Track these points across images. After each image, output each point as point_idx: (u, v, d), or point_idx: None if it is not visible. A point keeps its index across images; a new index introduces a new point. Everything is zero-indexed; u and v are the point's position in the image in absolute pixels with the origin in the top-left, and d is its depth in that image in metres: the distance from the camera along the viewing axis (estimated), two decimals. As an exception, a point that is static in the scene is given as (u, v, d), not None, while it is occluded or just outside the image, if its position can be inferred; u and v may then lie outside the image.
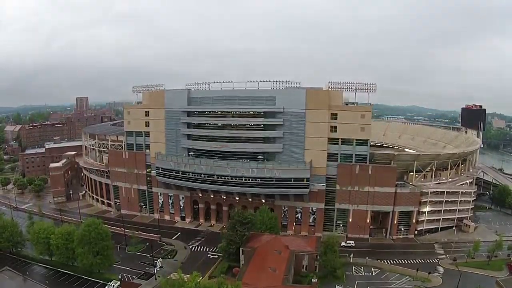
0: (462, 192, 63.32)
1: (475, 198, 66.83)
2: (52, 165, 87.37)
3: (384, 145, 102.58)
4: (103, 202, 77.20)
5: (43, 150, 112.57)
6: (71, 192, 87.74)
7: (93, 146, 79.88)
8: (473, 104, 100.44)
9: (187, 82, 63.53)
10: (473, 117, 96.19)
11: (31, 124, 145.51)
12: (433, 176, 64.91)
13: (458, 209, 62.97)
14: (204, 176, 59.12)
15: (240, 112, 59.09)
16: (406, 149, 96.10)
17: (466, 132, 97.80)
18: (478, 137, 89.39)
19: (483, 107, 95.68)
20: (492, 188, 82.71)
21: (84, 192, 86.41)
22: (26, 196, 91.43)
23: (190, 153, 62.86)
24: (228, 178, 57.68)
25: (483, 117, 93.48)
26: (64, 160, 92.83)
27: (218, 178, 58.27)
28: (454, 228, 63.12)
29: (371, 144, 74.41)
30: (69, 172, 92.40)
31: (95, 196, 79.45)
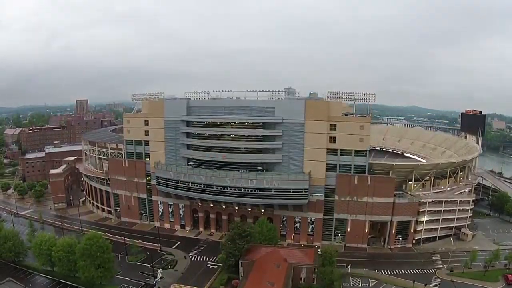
0: (460, 201, 63.66)
1: (473, 206, 67.04)
2: (52, 171, 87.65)
3: (383, 149, 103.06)
4: (103, 209, 77.64)
5: (43, 154, 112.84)
6: (71, 198, 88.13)
7: (92, 153, 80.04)
8: (473, 110, 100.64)
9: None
10: (473, 122, 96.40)
11: (31, 128, 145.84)
12: (431, 185, 65.15)
13: (457, 217, 63.35)
14: (204, 186, 59.43)
15: (239, 122, 59.08)
16: (405, 154, 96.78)
17: (465, 137, 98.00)
18: (477, 142, 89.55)
19: (482, 113, 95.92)
20: (492, 193, 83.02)
21: (84, 198, 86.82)
22: (26, 201, 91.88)
23: (189, 163, 63.08)
24: (227, 189, 57.99)
25: (482, 122, 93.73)
26: (64, 166, 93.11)
27: (217, 188, 58.59)
28: (452, 236, 63.44)
29: (371, 148, 75.30)
30: (69, 178, 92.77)
31: (95, 203, 79.87)
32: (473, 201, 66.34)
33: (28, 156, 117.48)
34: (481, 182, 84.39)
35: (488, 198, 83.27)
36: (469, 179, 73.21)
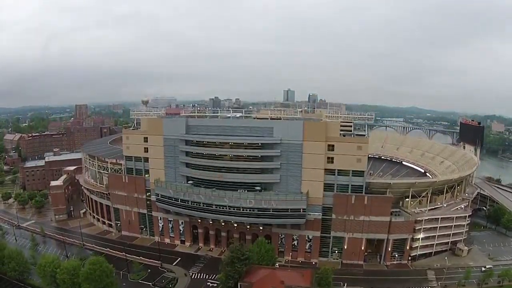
0: (456, 217, 64.43)
1: (469, 221, 67.75)
2: (53, 183, 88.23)
3: (382, 157, 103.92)
4: (104, 222, 78.51)
5: (43, 163, 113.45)
6: (72, 209, 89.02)
7: (92, 166, 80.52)
8: (472, 120, 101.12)
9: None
10: (472, 133, 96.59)
11: (30, 135, 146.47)
12: (428, 201, 65.85)
13: (452, 233, 64.22)
14: (203, 205, 60.15)
15: (237, 143, 59.46)
16: (403, 162, 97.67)
17: (464, 147, 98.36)
18: (475, 154, 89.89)
19: (481, 124, 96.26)
20: (489, 203, 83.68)
21: (84, 210, 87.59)
22: (27, 212, 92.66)
23: (189, 182, 63.64)
24: (226, 208, 58.72)
25: (481, 134, 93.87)
26: (64, 177, 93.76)
27: (216, 207, 59.33)
28: (447, 251, 64.41)
29: (370, 156, 75.89)
30: (69, 188, 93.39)
31: (95, 216, 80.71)
32: (469, 215, 67.03)
33: (28, 164, 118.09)
34: (479, 192, 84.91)
35: (486, 207, 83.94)
36: (466, 194, 73.79)
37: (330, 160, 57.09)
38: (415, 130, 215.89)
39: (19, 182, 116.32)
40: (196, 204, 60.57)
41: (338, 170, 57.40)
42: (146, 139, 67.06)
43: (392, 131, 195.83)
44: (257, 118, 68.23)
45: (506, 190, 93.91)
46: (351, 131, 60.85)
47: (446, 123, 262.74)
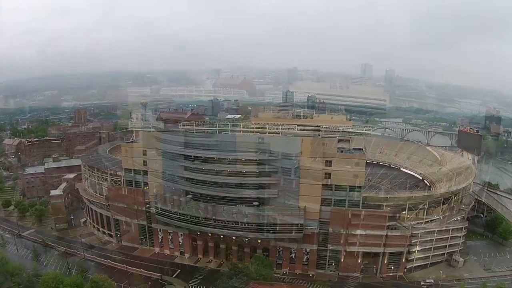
0: (453, 229, 65.15)
1: (465, 232, 68.52)
2: (53, 192, 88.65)
3: (380, 163, 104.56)
4: (104, 232, 79.30)
5: (42, 169, 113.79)
6: (72, 218, 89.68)
7: (92, 177, 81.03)
8: (470, 128, 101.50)
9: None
10: (470, 140, 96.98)
11: (30, 140, 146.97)
12: (425, 213, 66.51)
13: (449, 244, 65.06)
14: (202, 219, 60.86)
15: (235, 159, 59.87)
16: (401, 169, 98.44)
17: (462, 154, 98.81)
18: (473, 162, 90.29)
19: (479, 133, 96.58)
20: (487, 210, 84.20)
21: (85, 219, 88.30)
22: (27, 220, 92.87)
23: (188, 195, 64.21)
24: (225, 223, 59.40)
25: (479, 142, 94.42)
26: (64, 185, 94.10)
27: (215, 222, 60.02)
28: (444, 262, 65.31)
29: (368, 162, 76.25)
30: (69, 196, 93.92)
31: (96, 226, 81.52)
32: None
33: (28, 170, 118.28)
34: (476, 199, 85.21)
35: (483, 214, 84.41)
36: (463, 206, 74.43)
37: (328, 175, 57.58)
38: (414, 132, 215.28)
39: (18, 189, 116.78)
40: (195, 218, 61.25)
41: (335, 185, 57.95)
42: (145, 152, 67.42)
43: (391, 134, 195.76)
44: (256, 124, 68.62)
45: (505, 197, 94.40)
46: (349, 146, 61.23)
47: (446, 124, 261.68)
